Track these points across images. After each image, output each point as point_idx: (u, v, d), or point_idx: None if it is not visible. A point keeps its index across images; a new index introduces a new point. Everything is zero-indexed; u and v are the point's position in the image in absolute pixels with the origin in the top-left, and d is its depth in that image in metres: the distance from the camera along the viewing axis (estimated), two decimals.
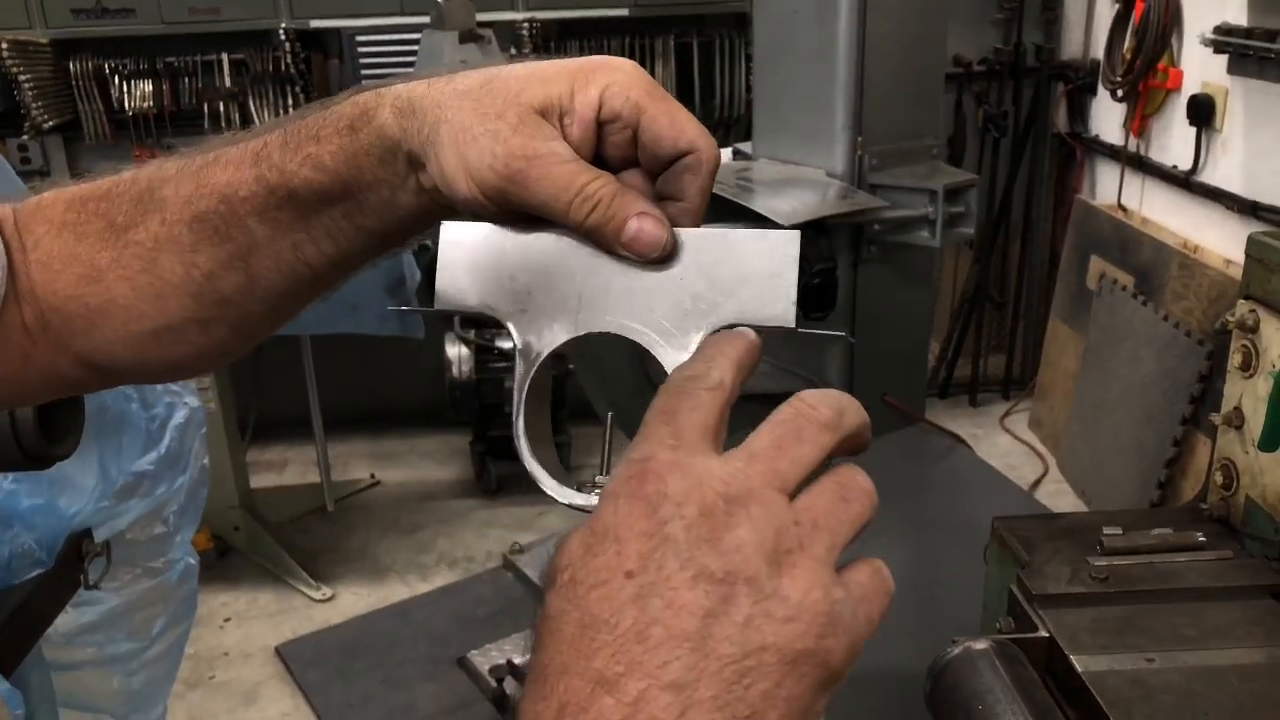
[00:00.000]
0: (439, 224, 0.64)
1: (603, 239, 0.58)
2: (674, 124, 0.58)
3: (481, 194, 0.58)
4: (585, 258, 0.59)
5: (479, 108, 0.58)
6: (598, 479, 0.57)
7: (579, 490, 0.58)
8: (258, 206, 0.64)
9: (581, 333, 0.59)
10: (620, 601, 0.43)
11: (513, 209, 0.59)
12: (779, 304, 0.56)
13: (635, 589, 0.43)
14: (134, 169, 0.69)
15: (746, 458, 0.46)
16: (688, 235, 0.58)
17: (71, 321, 0.68)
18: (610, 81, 0.58)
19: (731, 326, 0.56)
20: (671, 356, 0.57)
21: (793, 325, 0.56)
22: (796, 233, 0.57)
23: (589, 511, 0.55)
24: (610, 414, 0.63)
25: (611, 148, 0.59)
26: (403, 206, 0.63)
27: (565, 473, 0.60)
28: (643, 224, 0.57)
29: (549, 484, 0.58)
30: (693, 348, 0.56)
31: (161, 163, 0.68)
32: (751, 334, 0.54)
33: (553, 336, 0.59)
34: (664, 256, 0.58)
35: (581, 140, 0.58)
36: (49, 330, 0.69)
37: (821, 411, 0.48)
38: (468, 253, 0.61)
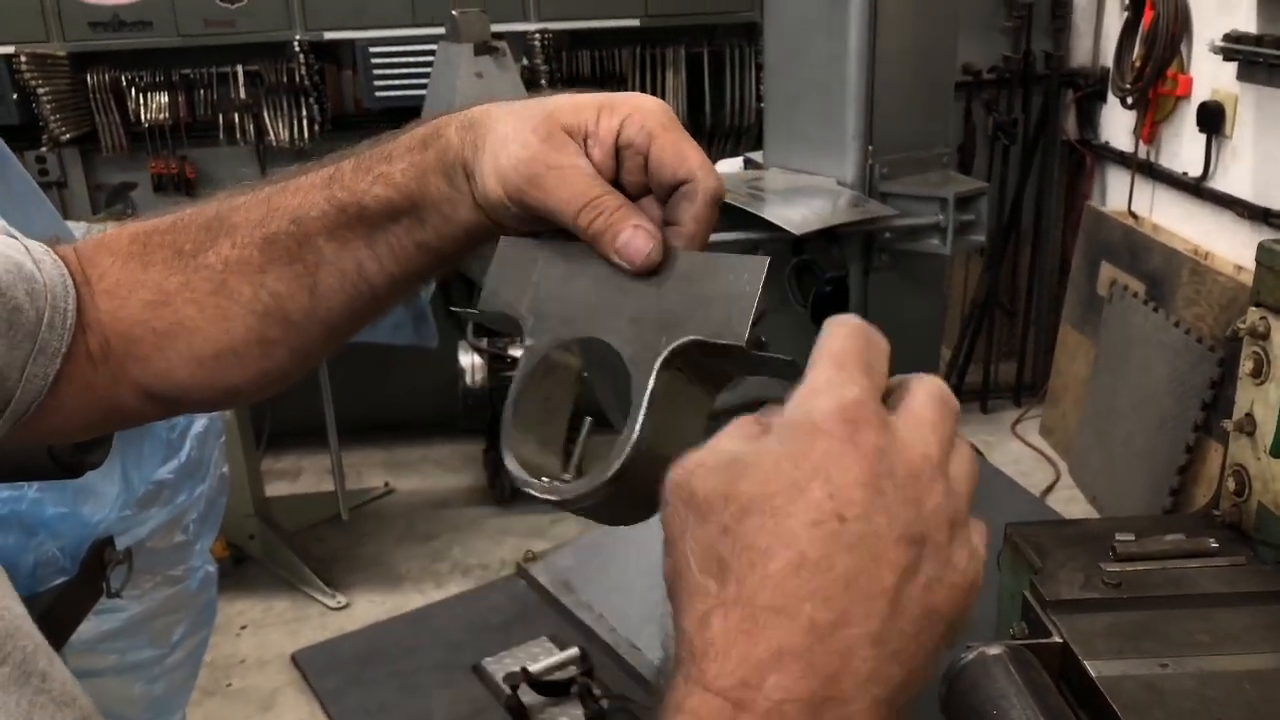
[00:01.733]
0: (490, 243, 0.68)
1: (601, 245, 0.62)
2: (678, 153, 0.63)
3: (504, 194, 0.63)
4: (597, 270, 0.63)
5: (519, 122, 0.64)
6: (564, 477, 0.61)
7: (543, 480, 0.61)
8: (328, 225, 0.68)
9: (568, 337, 0.63)
10: (835, 547, 0.44)
11: (528, 210, 0.63)
12: (734, 325, 0.58)
13: (850, 537, 0.44)
14: (197, 204, 0.72)
15: (931, 428, 0.48)
16: (684, 256, 0.62)
17: (136, 346, 0.71)
18: (632, 112, 0.63)
19: (696, 344, 0.59)
20: (635, 356, 0.60)
21: (743, 345, 0.57)
22: (766, 259, 0.60)
23: (541, 498, 0.59)
24: (588, 419, 0.66)
25: (627, 173, 0.64)
26: (460, 223, 0.67)
27: (558, 469, 0.64)
28: (635, 234, 0.61)
29: (512, 465, 0.62)
30: (657, 362, 0.59)
31: (228, 195, 0.72)
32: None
33: (550, 339, 0.63)
34: (650, 268, 0.61)
35: (601, 161, 0.63)
36: (111, 357, 0.71)
37: (953, 400, 0.51)
38: (513, 262, 0.66)
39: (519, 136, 0.63)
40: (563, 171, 0.62)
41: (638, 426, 0.58)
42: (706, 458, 0.48)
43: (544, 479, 0.61)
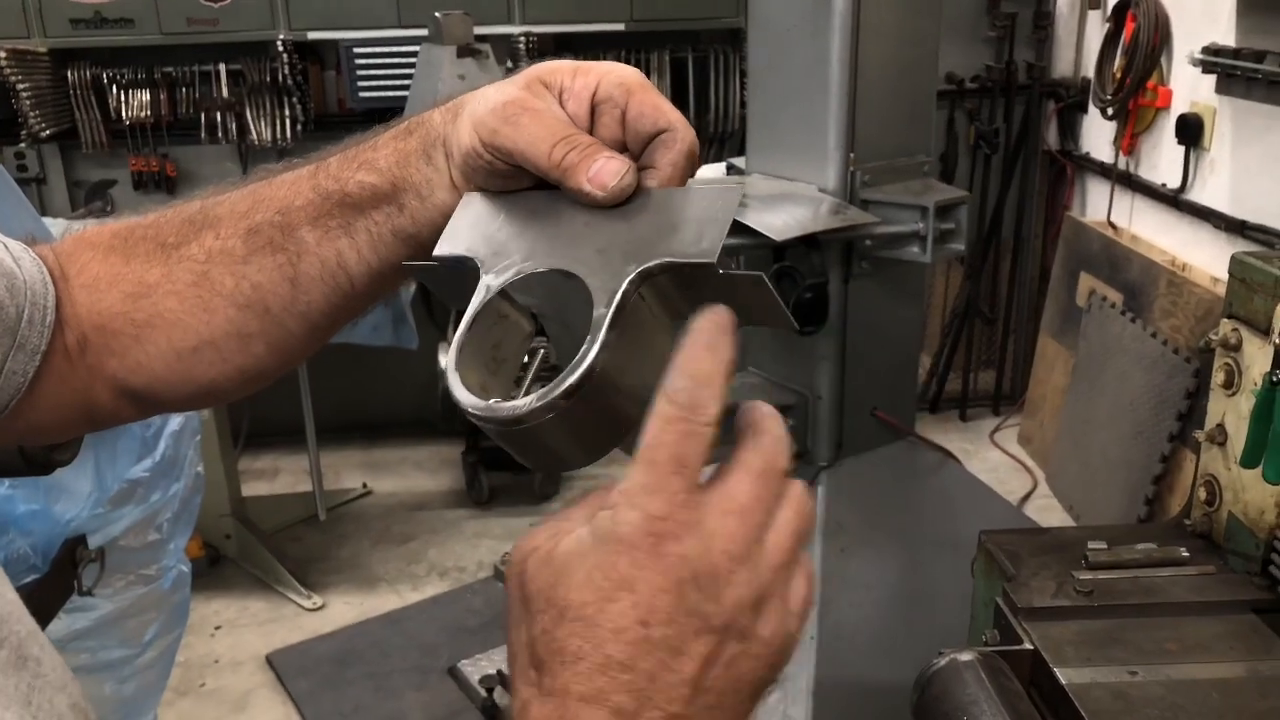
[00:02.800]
0: None
1: (574, 176, 0.61)
2: (657, 107, 0.64)
3: (479, 140, 0.64)
4: (560, 209, 0.63)
5: (501, 83, 0.66)
6: (520, 399, 0.58)
7: (489, 400, 0.58)
8: (312, 214, 0.69)
9: (529, 271, 0.62)
10: (639, 650, 0.48)
11: (500, 154, 0.64)
12: (704, 243, 0.58)
13: (653, 641, 0.48)
14: (180, 202, 0.73)
15: (740, 515, 0.51)
16: (656, 194, 0.62)
17: (114, 339, 0.70)
18: (609, 71, 0.65)
19: (666, 265, 0.58)
20: (600, 283, 0.58)
21: (713, 262, 0.57)
22: (739, 188, 0.60)
23: (480, 417, 0.57)
24: (542, 350, 0.65)
25: (602, 127, 0.65)
26: (436, 205, 0.68)
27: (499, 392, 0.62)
28: (608, 162, 0.61)
29: (455, 381, 0.59)
30: (624, 282, 0.57)
31: (214, 190, 0.72)
32: (728, 345, 0.53)
33: (511, 275, 0.62)
34: (623, 195, 0.61)
35: (576, 113, 0.65)
36: (88, 351, 0.71)
37: (784, 463, 0.53)
38: (476, 210, 0.66)
39: (500, 88, 0.65)
40: (539, 113, 0.63)
41: (599, 342, 0.56)
42: (543, 544, 0.51)
43: (491, 400, 0.58)
